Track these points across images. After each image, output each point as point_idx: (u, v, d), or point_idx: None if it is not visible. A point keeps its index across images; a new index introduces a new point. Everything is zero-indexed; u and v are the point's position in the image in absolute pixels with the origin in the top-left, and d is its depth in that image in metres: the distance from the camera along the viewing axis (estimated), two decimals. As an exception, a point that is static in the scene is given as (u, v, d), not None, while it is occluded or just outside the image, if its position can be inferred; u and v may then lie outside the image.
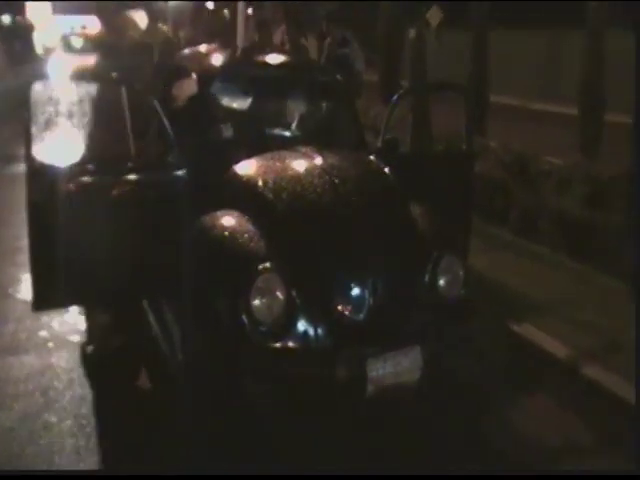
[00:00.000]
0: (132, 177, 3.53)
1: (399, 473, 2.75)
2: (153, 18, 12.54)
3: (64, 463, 2.90)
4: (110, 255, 3.44)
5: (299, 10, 11.65)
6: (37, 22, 32.53)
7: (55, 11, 31.72)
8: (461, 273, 3.29)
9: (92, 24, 27.94)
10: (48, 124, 3.72)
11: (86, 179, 3.44)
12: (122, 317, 4.08)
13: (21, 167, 7.14)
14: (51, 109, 3.74)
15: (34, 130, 3.29)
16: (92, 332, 4.10)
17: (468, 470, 2.78)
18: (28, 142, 3.27)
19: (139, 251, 3.46)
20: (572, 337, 3.85)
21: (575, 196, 5.27)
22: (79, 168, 3.45)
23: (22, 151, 3.85)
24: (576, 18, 7.84)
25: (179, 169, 3.52)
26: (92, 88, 4.22)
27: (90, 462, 2.91)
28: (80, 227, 3.36)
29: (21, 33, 29.47)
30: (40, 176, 3.30)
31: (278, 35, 10.06)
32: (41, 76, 3.58)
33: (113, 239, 3.43)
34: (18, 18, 30.55)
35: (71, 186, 3.37)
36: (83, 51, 17.07)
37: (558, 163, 5.73)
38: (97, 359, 3.81)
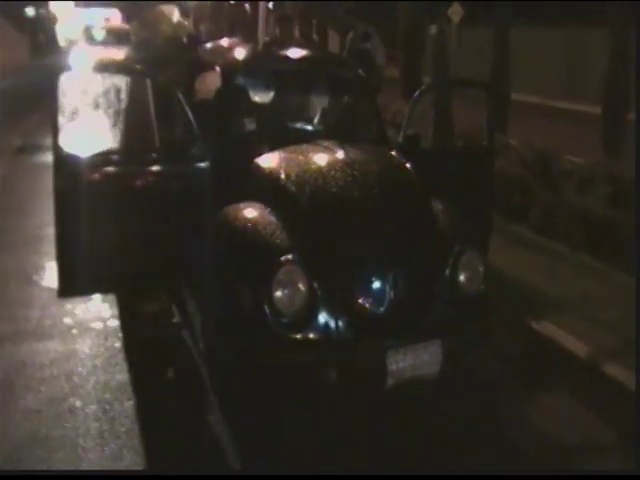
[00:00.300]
0: (156, 168, 3.58)
1: (401, 473, 2.75)
2: (183, 13, 12.65)
3: (89, 446, 2.97)
4: (134, 244, 3.49)
5: (314, 7, 11.67)
6: (60, 14, 32.83)
7: (77, 4, 32.02)
8: (481, 269, 3.30)
9: (114, 17, 28.19)
10: (74, 115, 3.77)
11: (111, 169, 3.49)
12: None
13: (45, 157, 7.26)
14: (77, 100, 3.79)
15: (61, 120, 3.35)
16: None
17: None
18: (55, 132, 3.33)
19: (162, 241, 3.51)
20: (592, 335, 3.84)
21: (597, 195, 5.25)
22: (104, 158, 3.51)
23: (47, 141, 3.88)
24: (599, 15, 7.78)
25: (202, 161, 3.56)
26: (118, 80, 4.27)
27: (114, 446, 2.97)
28: (105, 216, 3.42)
29: (44, 25, 29.77)
30: (66, 165, 3.36)
31: (297, 30, 10.12)
32: (64, 68, 3.64)
33: (136, 229, 3.48)
34: (41, 11, 30.87)
35: (96, 176, 3.43)
36: (105, 43, 17.15)
37: (579, 162, 5.71)
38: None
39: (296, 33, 10.00)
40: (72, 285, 3.49)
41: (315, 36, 12.00)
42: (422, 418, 3.21)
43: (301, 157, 3.57)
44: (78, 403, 3.29)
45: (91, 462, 2.86)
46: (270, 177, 3.48)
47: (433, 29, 9.05)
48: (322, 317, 2.95)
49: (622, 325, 4.00)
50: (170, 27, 10.93)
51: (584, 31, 12.80)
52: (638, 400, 3.08)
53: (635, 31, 6.33)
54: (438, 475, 2.74)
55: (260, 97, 4.68)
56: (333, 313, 2.95)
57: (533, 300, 4.38)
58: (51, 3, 32.44)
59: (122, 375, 3.55)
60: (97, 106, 4.24)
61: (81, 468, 2.83)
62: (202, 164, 3.57)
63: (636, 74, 4.33)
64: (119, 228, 3.46)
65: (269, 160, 3.62)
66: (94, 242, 3.41)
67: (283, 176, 3.40)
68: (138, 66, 5.52)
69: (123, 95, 4.27)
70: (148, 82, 4.09)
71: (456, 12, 12.54)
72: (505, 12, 7.95)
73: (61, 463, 2.85)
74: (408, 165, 3.64)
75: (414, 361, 2.97)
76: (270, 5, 12.63)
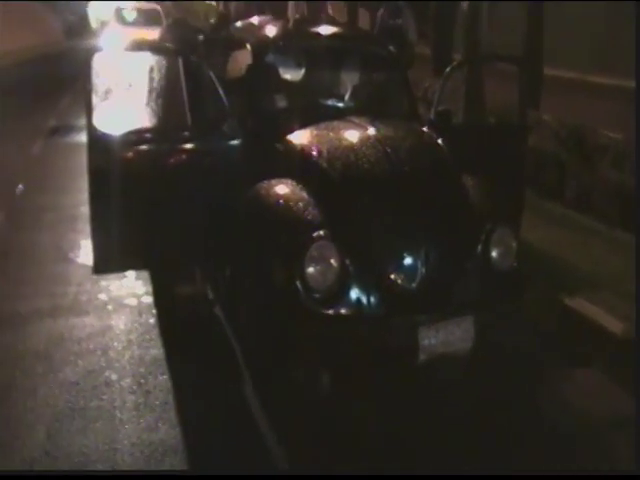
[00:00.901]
0: (188, 146, 3.61)
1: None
2: None
3: (125, 418, 3.04)
4: (166, 222, 3.54)
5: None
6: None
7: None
8: (514, 245, 3.28)
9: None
10: (108, 94, 3.81)
11: (143, 147, 3.53)
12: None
13: (79, 137, 7.35)
14: (110, 80, 3.84)
15: (94, 100, 3.38)
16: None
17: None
18: (89, 112, 3.37)
19: (195, 218, 3.55)
20: (626, 311, 3.78)
21: (633, 171, 5.13)
22: (137, 137, 3.55)
23: (80, 122, 3.90)
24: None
25: (234, 138, 3.58)
26: (150, 59, 4.29)
27: (149, 418, 3.04)
28: (138, 194, 3.46)
29: (76, 7, 29.96)
30: (100, 144, 3.40)
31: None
32: (96, 49, 3.68)
33: (169, 206, 3.52)
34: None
35: (129, 154, 3.46)
36: (136, 24, 17.22)
37: (615, 137, 5.58)
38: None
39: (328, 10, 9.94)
40: (106, 262, 3.55)
41: (330, 11, 11.82)
42: (454, 393, 3.22)
43: (332, 134, 3.57)
44: (114, 376, 3.37)
45: (127, 433, 2.93)
46: (302, 154, 3.49)
47: (464, 5, 8.87)
48: (354, 293, 2.96)
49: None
50: (202, 7, 10.97)
51: (621, 4, 12.44)
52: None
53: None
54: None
55: (291, 74, 4.68)
56: (365, 289, 2.96)
57: (567, 276, 4.33)
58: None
59: (156, 350, 3.62)
60: (130, 85, 4.28)
61: (118, 439, 2.90)
62: (234, 141, 3.59)
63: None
64: (152, 206, 3.50)
65: (300, 137, 3.62)
66: (128, 220, 3.46)
67: (315, 152, 3.40)
68: (170, 45, 5.53)
69: (155, 74, 4.30)
70: (180, 61, 4.11)
71: (488, -14, 12.26)
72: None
73: (99, 433, 2.93)
74: (439, 141, 3.61)
75: (446, 337, 2.98)
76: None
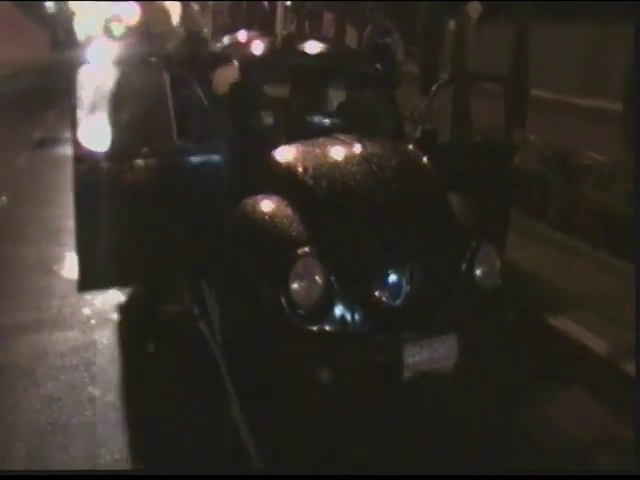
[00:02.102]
0: (174, 161, 3.60)
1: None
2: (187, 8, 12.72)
3: (107, 434, 3.00)
4: (152, 238, 3.52)
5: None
6: (78, 9, 33.08)
7: (97, -2, 32.17)
8: (498, 264, 3.31)
9: (131, 12, 28.31)
10: (93, 109, 3.80)
11: (129, 163, 3.51)
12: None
13: (64, 150, 7.33)
14: (96, 94, 3.83)
15: (79, 114, 3.37)
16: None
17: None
18: (74, 126, 3.35)
19: (180, 234, 3.53)
20: (610, 332, 3.81)
21: (617, 192, 5.19)
22: (122, 152, 3.53)
23: (66, 134, 3.88)
24: (622, 12, 7.67)
25: (220, 154, 3.58)
26: (136, 73, 4.30)
27: (132, 435, 3.00)
28: (123, 210, 3.44)
29: (63, 20, 30.05)
30: (85, 159, 3.37)
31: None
32: (83, 62, 3.67)
33: (155, 222, 3.51)
34: (60, 5, 31.16)
35: (114, 169, 3.45)
36: (123, 38, 17.29)
37: (599, 158, 5.65)
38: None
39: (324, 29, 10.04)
40: (91, 279, 3.51)
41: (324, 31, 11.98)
42: (437, 412, 3.22)
43: (318, 150, 3.59)
44: (97, 392, 3.33)
45: (109, 449, 2.90)
46: (287, 170, 3.50)
47: (452, 25, 9.00)
48: (339, 310, 2.96)
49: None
50: (165, 23, 11.06)
51: (606, 28, 12.63)
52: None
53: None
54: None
55: (278, 91, 4.70)
56: (350, 306, 2.97)
57: (551, 296, 4.36)
58: (70, -2, 32.71)
59: (140, 366, 3.59)
60: (115, 100, 4.27)
61: (100, 455, 2.87)
62: (220, 157, 3.59)
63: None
64: (137, 222, 3.48)
65: (286, 153, 3.63)
66: (113, 236, 3.43)
67: (300, 169, 3.41)
68: (156, 59, 5.52)
69: (141, 88, 4.30)
70: (166, 75, 4.11)
71: (475, 8, 12.44)
72: (526, 7, 7.89)
73: (80, 450, 2.89)
74: (425, 159, 3.64)
75: (430, 354, 2.98)
76: (288, 3, 12.68)
